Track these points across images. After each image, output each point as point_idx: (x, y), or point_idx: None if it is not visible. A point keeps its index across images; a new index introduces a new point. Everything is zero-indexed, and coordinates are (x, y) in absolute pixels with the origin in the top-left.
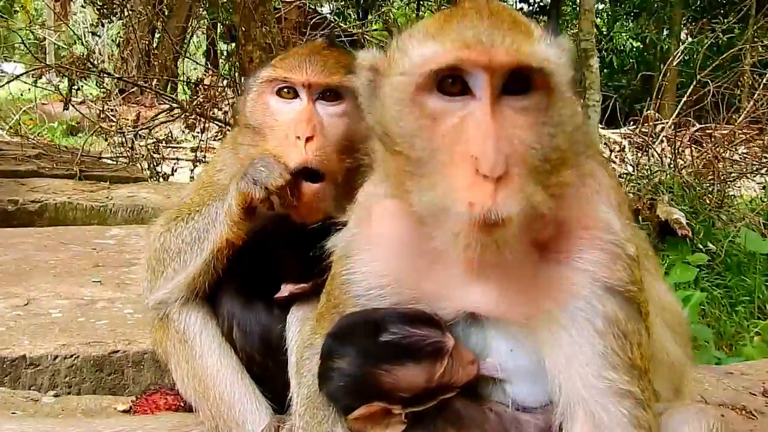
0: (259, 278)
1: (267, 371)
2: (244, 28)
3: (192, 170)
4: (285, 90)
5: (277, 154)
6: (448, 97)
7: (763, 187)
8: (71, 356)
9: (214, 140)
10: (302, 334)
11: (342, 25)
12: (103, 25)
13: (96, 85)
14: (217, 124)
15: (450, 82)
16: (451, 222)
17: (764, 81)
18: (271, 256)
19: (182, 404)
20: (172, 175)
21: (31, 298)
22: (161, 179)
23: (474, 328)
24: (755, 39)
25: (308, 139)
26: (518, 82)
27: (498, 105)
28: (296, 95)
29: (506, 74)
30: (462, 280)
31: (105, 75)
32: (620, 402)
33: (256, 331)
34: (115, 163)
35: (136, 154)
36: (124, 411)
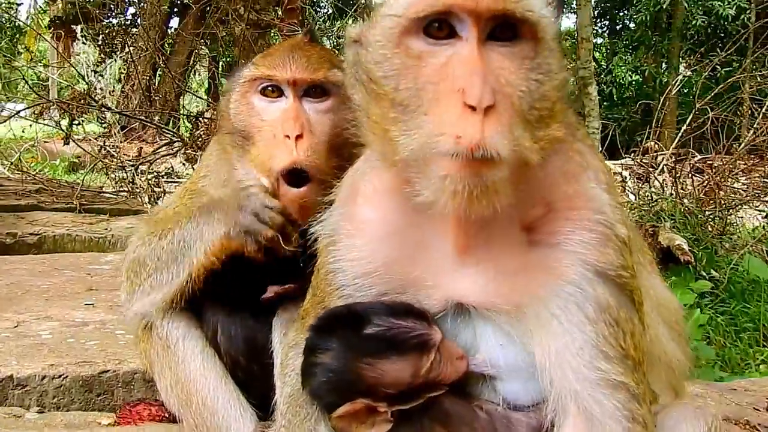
0: (244, 281)
1: (252, 376)
2: (243, 62)
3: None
4: (269, 88)
5: (265, 157)
6: (434, 40)
7: (765, 216)
8: (59, 376)
9: None
10: (287, 336)
11: (341, 57)
12: (104, 62)
13: (97, 121)
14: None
15: (436, 26)
16: (438, 164)
17: (763, 110)
18: (256, 259)
19: (166, 415)
20: None
21: (21, 320)
22: None
23: (462, 322)
24: (753, 70)
25: (297, 138)
26: (505, 30)
27: (485, 48)
28: (281, 93)
29: (492, 21)
30: (451, 265)
31: (106, 110)
32: (613, 394)
33: (240, 335)
34: (115, 197)
35: (137, 187)
36: (109, 425)
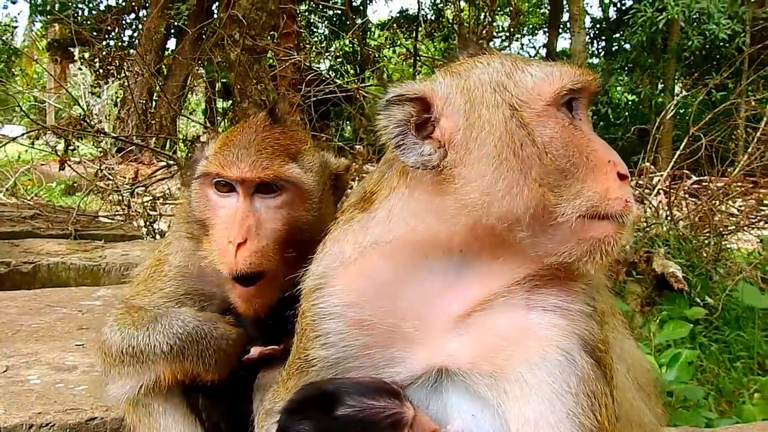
0: None
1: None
2: (239, 86)
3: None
4: (221, 184)
5: (214, 256)
6: None
7: (760, 240)
8: (47, 425)
9: None
10: (266, 400)
11: (337, 81)
12: (101, 86)
13: (93, 145)
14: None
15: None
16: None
17: (758, 135)
18: (238, 320)
19: None
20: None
21: (10, 365)
22: (158, 236)
23: (437, 389)
24: (749, 93)
25: (240, 245)
26: None
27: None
28: (233, 189)
29: None
30: (447, 326)
31: (102, 135)
32: None
33: (222, 401)
34: (111, 221)
35: (133, 211)
36: None
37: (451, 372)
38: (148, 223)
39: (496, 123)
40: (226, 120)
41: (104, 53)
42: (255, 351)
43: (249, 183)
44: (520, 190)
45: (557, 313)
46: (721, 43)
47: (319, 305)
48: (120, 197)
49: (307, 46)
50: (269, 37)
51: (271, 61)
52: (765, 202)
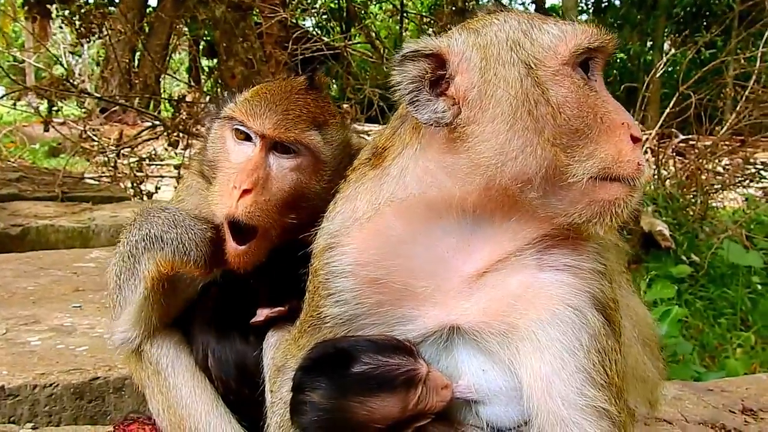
0: (233, 303)
1: (244, 400)
2: (225, 44)
3: (176, 187)
4: (240, 131)
5: (217, 198)
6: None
7: (746, 199)
8: (50, 385)
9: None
10: (275, 358)
11: (325, 38)
12: (82, 45)
13: (77, 105)
14: (200, 140)
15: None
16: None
17: (746, 93)
18: (243, 280)
19: None
20: (156, 192)
21: (9, 327)
22: (145, 197)
23: (447, 346)
24: (738, 51)
25: (245, 192)
26: None
27: None
28: (251, 139)
29: None
30: (462, 285)
31: (85, 95)
32: (597, 422)
33: (231, 359)
34: (97, 183)
35: (119, 173)
36: None
37: (463, 330)
38: (135, 185)
39: (512, 81)
40: (212, 79)
41: (83, 11)
42: (262, 314)
43: (268, 139)
44: (533, 149)
45: (569, 271)
46: (711, 1)
47: (332, 264)
48: (106, 159)
49: (293, 2)
50: None
51: (256, 18)
52: (751, 160)
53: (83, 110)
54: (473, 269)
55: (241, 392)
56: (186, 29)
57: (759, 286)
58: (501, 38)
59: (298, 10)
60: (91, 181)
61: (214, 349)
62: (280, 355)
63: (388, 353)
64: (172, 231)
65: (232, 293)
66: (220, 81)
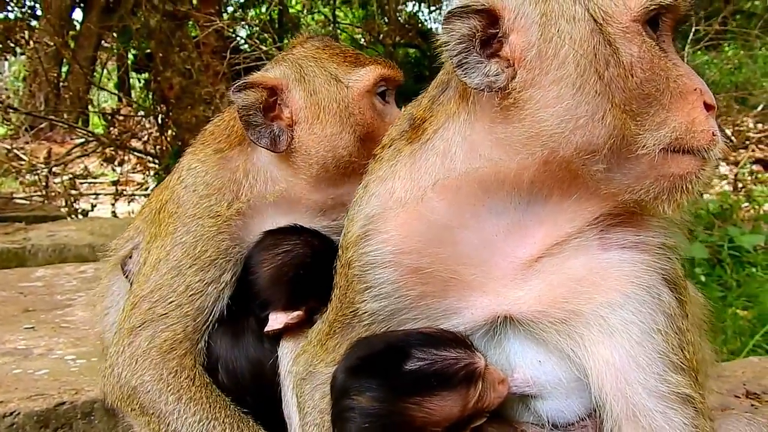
0: (243, 308)
1: (259, 411)
2: (161, 54)
3: (113, 204)
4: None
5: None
6: None
7: None
8: (11, 414)
9: (133, 172)
10: (297, 365)
11: (263, 47)
12: (6, 59)
13: (1, 122)
14: (135, 155)
15: None
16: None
17: None
18: (255, 283)
19: None
20: (92, 210)
21: None
22: (80, 215)
23: (498, 338)
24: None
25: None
26: None
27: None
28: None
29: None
30: (516, 272)
31: (12, 111)
32: (682, 410)
33: (246, 369)
34: (28, 203)
35: (51, 191)
36: None
37: (516, 320)
38: (69, 203)
39: (578, 38)
40: (150, 91)
41: (3, 27)
42: (277, 321)
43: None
44: (602, 116)
45: (637, 248)
46: None
47: (371, 253)
48: (37, 177)
49: (227, 12)
50: (189, 3)
51: (193, 30)
52: None
53: (9, 128)
54: (527, 254)
55: (257, 404)
56: (114, 40)
57: (702, 278)
58: None
59: (234, 19)
60: (22, 201)
61: (225, 360)
62: (303, 362)
63: (444, 346)
64: None
65: (240, 297)
66: (158, 92)
